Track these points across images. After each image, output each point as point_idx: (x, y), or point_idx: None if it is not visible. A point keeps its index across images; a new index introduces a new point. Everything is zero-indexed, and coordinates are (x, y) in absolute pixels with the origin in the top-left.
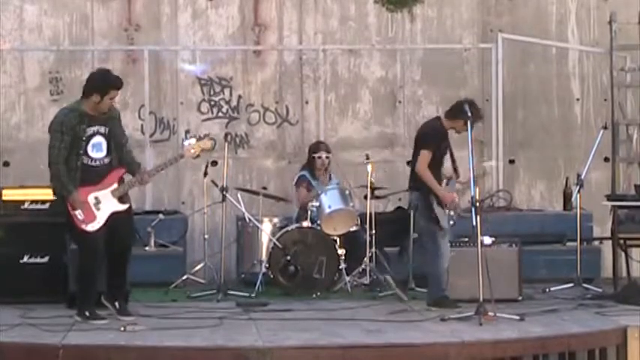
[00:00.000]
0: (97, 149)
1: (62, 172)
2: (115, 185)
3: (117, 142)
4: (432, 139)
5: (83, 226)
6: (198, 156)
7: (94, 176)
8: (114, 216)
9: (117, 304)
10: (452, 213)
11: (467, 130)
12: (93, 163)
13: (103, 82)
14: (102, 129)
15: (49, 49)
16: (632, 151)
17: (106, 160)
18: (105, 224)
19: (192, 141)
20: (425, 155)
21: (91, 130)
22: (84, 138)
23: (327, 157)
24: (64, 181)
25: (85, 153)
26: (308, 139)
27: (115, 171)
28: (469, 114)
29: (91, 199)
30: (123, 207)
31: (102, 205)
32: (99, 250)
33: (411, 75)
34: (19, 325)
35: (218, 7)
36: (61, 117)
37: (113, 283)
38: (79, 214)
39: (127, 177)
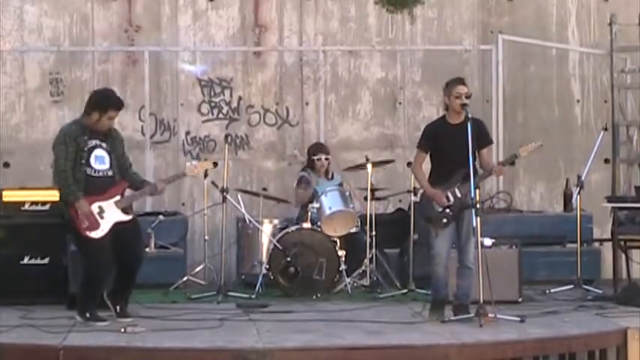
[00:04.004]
0: (100, 161)
1: (69, 180)
2: (119, 197)
3: (120, 163)
4: (421, 137)
5: (87, 233)
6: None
7: (98, 187)
8: (120, 227)
9: (118, 307)
10: (447, 210)
11: None
12: (96, 174)
13: (103, 102)
14: (103, 144)
15: (50, 50)
16: (632, 152)
17: (109, 173)
18: (109, 233)
19: (195, 162)
20: (416, 154)
21: (92, 142)
22: (85, 149)
23: (326, 159)
24: (72, 188)
25: (88, 164)
26: (308, 141)
27: (119, 184)
28: None
29: (95, 207)
30: (126, 218)
31: (106, 215)
32: (104, 258)
33: (411, 76)
34: (19, 326)
35: (218, 8)
36: (64, 130)
37: (119, 288)
38: (84, 220)
39: (129, 192)
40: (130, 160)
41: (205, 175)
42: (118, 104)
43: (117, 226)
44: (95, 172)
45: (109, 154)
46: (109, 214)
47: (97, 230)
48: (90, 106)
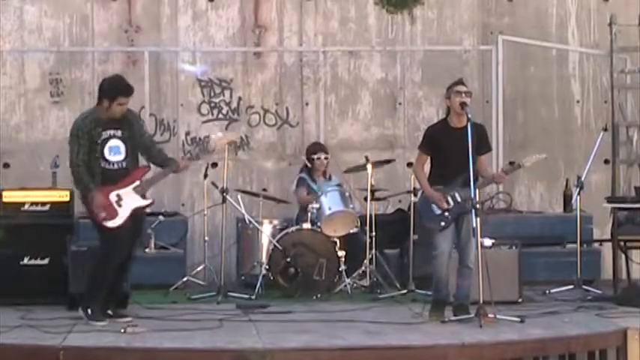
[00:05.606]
0: (115, 152)
1: (82, 172)
2: (138, 182)
3: (140, 144)
4: (422, 139)
5: (104, 223)
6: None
7: (113, 179)
8: (135, 212)
9: (109, 311)
10: (446, 214)
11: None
12: (110, 167)
13: (111, 89)
14: (118, 132)
15: (49, 50)
16: (632, 153)
17: (124, 164)
18: (128, 220)
19: (220, 134)
20: (418, 155)
21: (106, 133)
22: (99, 142)
23: (325, 159)
24: (86, 180)
25: (103, 156)
26: (308, 141)
27: (138, 169)
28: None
29: (112, 196)
30: (145, 202)
31: (124, 202)
32: (122, 247)
33: (411, 76)
34: (19, 326)
35: (218, 8)
36: (78, 122)
37: (112, 287)
38: (99, 210)
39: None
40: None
41: (205, 176)
42: (126, 91)
43: (134, 213)
44: (110, 164)
45: (125, 142)
46: (127, 201)
47: (115, 219)
48: (100, 93)
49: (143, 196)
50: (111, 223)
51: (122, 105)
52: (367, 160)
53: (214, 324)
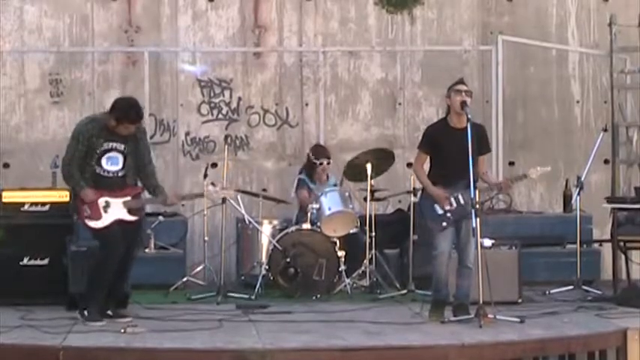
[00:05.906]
0: (113, 163)
1: (74, 172)
2: (129, 198)
3: (138, 161)
4: (422, 138)
5: (86, 221)
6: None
7: (106, 186)
8: (123, 225)
9: (109, 311)
10: (448, 214)
11: None
12: (105, 174)
13: (120, 113)
14: (120, 146)
15: (49, 51)
16: (632, 153)
17: (120, 174)
18: (112, 226)
19: (218, 188)
20: (417, 154)
21: (108, 144)
22: (98, 151)
23: (328, 164)
24: (77, 178)
25: (99, 164)
26: (308, 141)
27: (134, 187)
28: None
29: (101, 201)
30: (130, 218)
31: (110, 210)
32: (117, 247)
33: (411, 77)
34: (19, 327)
35: (218, 8)
36: (81, 126)
37: (111, 288)
38: (86, 209)
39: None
40: (153, 159)
41: (205, 176)
42: (133, 119)
43: (119, 223)
44: (104, 171)
45: (125, 156)
46: (113, 210)
47: (97, 221)
48: (110, 110)
49: (130, 211)
50: (91, 223)
51: (128, 129)
52: (367, 160)
53: (214, 324)
